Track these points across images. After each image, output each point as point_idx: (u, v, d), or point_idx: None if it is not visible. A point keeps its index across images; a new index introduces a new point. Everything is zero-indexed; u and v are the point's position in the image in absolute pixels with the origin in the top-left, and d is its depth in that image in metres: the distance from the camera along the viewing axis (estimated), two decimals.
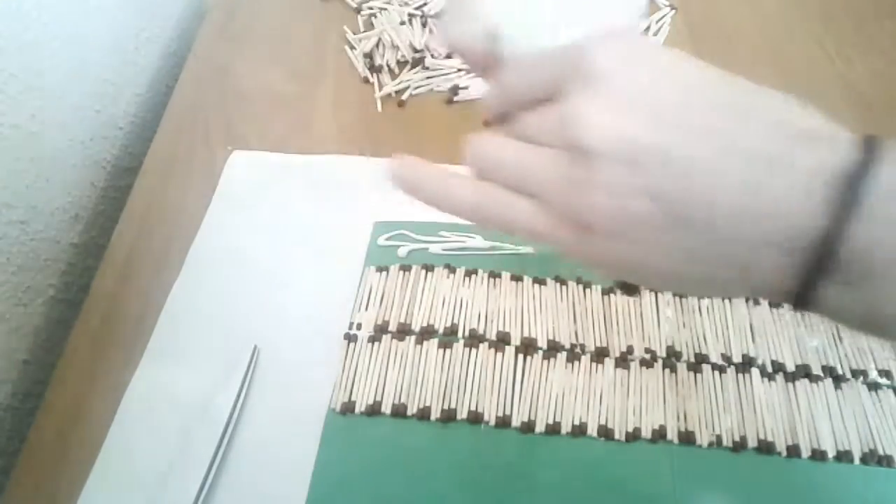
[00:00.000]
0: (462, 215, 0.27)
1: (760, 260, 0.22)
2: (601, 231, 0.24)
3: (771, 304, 0.47)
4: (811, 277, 0.22)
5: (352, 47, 0.66)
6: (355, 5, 0.70)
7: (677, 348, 0.45)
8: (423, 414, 0.42)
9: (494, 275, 0.49)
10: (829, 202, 0.21)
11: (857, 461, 0.41)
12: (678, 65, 0.24)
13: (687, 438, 0.41)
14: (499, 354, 0.45)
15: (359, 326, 0.47)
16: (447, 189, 0.27)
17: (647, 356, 0.45)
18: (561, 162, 0.24)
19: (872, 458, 0.41)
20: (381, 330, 0.46)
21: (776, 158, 0.22)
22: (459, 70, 0.63)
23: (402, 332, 0.46)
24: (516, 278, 0.48)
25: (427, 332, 0.46)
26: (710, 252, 0.23)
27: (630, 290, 0.32)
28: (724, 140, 0.22)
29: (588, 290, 0.48)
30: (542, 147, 0.25)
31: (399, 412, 0.43)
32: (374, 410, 0.43)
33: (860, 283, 0.21)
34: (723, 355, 0.45)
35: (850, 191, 0.21)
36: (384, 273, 0.49)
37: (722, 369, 0.44)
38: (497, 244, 0.50)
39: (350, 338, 0.46)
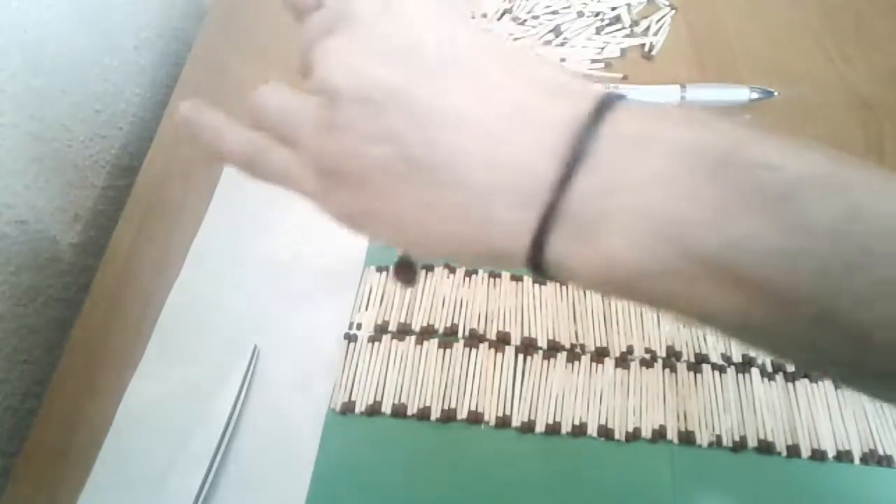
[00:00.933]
0: (233, 163, 0.27)
1: (500, 216, 0.22)
2: (342, 178, 0.23)
3: None
4: (541, 234, 0.21)
5: None
6: None
7: (677, 348, 0.45)
8: (423, 414, 0.42)
9: (494, 275, 0.49)
10: (558, 154, 0.21)
11: (857, 461, 0.41)
12: (443, 13, 0.23)
13: (687, 438, 0.41)
14: (499, 354, 0.45)
15: (359, 326, 0.47)
16: (222, 135, 0.27)
17: (647, 356, 0.45)
18: (313, 106, 0.24)
19: (872, 458, 0.41)
20: (381, 330, 0.46)
21: (521, 113, 0.21)
22: None
23: (402, 332, 0.46)
24: (516, 278, 0.48)
25: (427, 332, 0.46)
26: (449, 205, 0.22)
27: (408, 277, 0.31)
28: (473, 88, 0.22)
29: (588, 290, 0.48)
30: (307, 94, 0.24)
31: (399, 412, 0.43)
32: (374, 410, 0.43)
33: (589, 237, 0.21)
34: (723, 355, 0.45)
35: (578, 143, 0.20)
36: (384, 273, 0.49)
37: (722, 369, 0.44)
38: None
39: (350, 338, 0.46)
